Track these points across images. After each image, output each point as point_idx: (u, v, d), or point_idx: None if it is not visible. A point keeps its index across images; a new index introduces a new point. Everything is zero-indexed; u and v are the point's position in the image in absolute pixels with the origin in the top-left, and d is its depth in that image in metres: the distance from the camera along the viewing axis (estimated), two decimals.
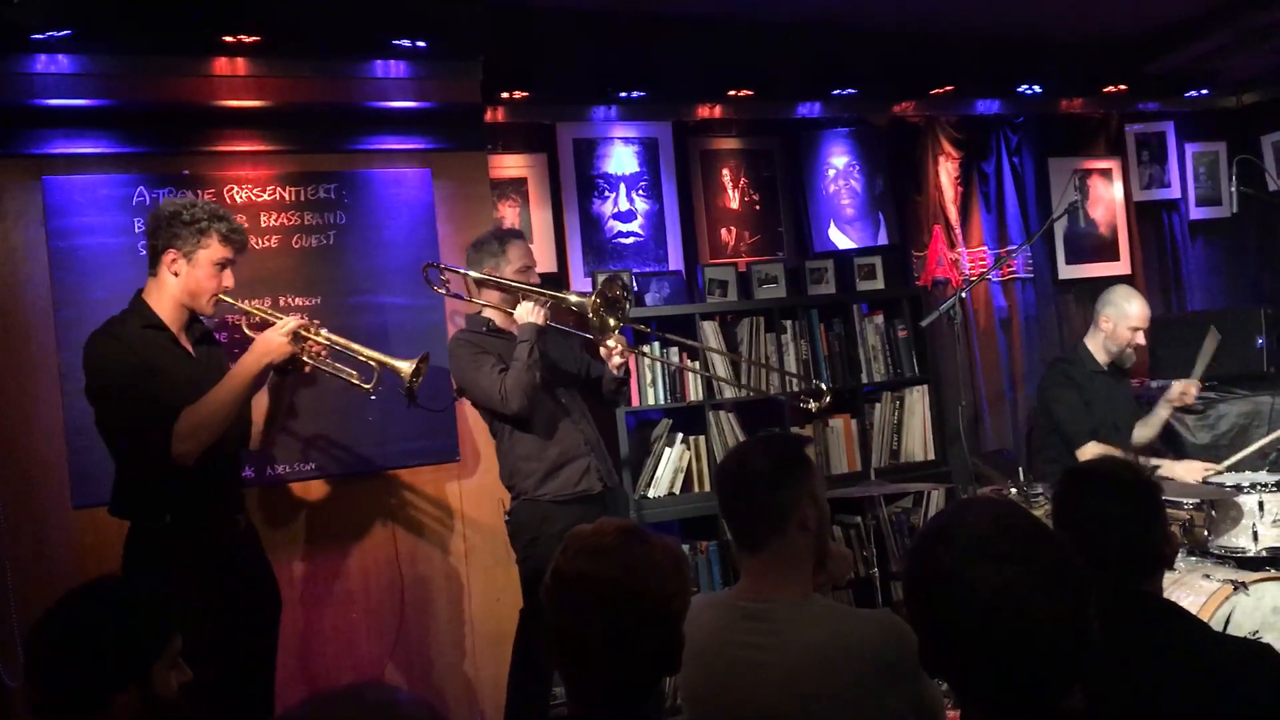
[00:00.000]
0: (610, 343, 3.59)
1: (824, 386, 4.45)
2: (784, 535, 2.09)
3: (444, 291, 3.83)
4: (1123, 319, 4.41)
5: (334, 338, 3.24)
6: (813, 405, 4.10)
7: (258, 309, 3.31)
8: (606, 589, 1.61)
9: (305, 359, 3.14)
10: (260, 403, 3.22)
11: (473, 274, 3.68)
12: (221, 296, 3.08)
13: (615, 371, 3.68)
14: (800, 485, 2.10)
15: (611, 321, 3.54)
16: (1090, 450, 4.29)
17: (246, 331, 3.29)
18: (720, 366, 4.79)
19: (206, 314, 3.13)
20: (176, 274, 3.01)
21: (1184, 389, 4.45)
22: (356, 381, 3.33)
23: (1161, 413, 4.53)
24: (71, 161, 3.77)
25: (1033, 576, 1.35)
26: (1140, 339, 4.43)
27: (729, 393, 4.76)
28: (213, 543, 2.99)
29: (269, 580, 3.25)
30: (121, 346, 2.92)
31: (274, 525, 3.94)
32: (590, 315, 3.50)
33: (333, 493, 4.04)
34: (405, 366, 3.28)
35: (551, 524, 3.48)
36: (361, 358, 3.32)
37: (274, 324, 3.08)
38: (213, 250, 3.02)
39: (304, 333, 3.11)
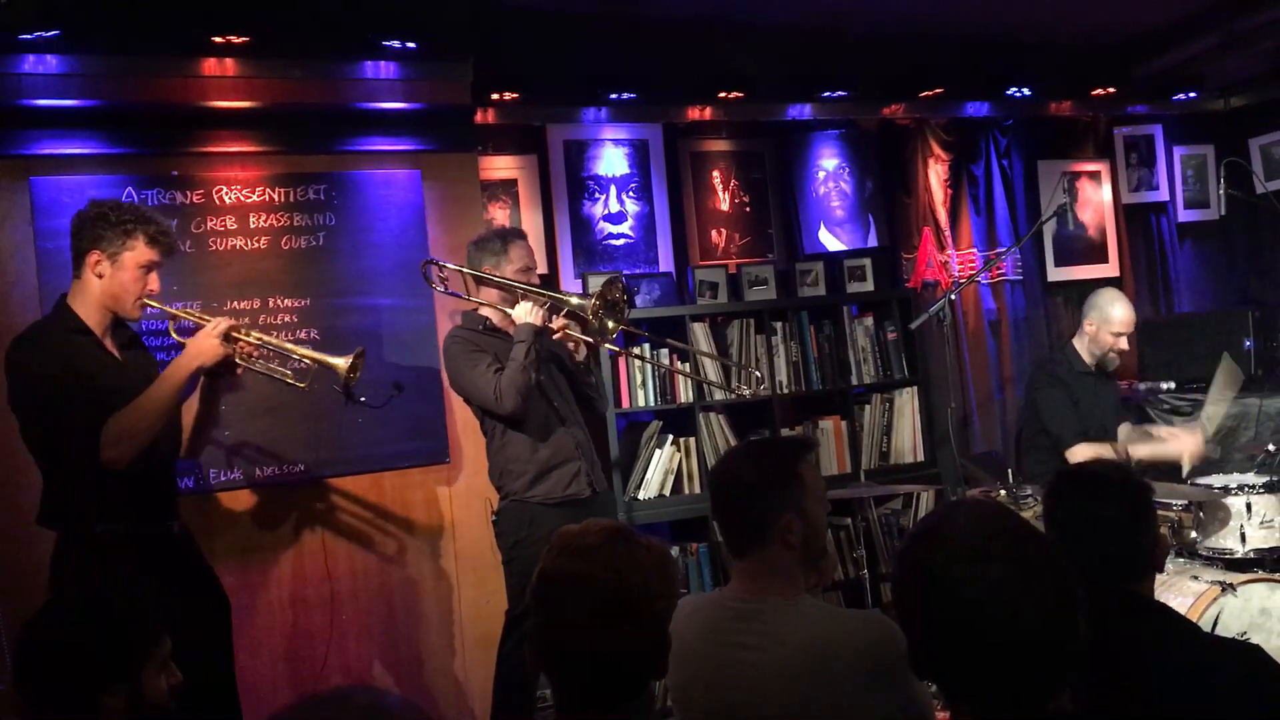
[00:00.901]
0: (555, 325, 3.55)
1: (757, 375, 4.47)
2: (767, 546, 2.09)
3: (442, 289, 3.81)
4: (1105, 324, 4.42)
5: (265, 338, 3.20)
6: (746, 393, 4.08)
7: (186, 313, 3.24)
8: (588, 588, 1.61)
9: (237, 360, 3.07)
10: (190, 408, 3.15)
11: (472, 272, 3.67)
12: (147, 300, 3.00)
13: (578, 358, 3.68)
14: (785, 500, 2.08)
15: (610, 324, 3.53)
16: (1080, 451, 4.29)
17: (174, 336, 3.22)
18: (711, 370, 4.80)
19: (132, 318, 3.04)
20: (100, 276, 2.93)
21: (1197, 449, 4.25)
22: (291, 381, 3.30)
23: (1165, 449, 4.37)
24: (60, 162, 3.76)
25: (1021, 577, 1.35)
26: (1123, 344, 4.44)
27: (717, 395, 4.76)
28: (144, 550, 2.91)
29: (209, 585, 3.18)
30: (44, 353, 2.85)
31: (263, 528, 3.93)
32: (590, 318, 3.48)
33: (322, 495, 4.03)
34: (340, 363, 3.23)
35: (538, 526, 3.47)
36: (295, 356, 3.28)
37: (203, 327, 3.01)
38: (138, 252, 2.95)
39: (235, 334, 3.04)
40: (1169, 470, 4.48)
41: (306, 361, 3.29)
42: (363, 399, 3.46)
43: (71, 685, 1.90)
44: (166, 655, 2.03)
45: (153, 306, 3.05)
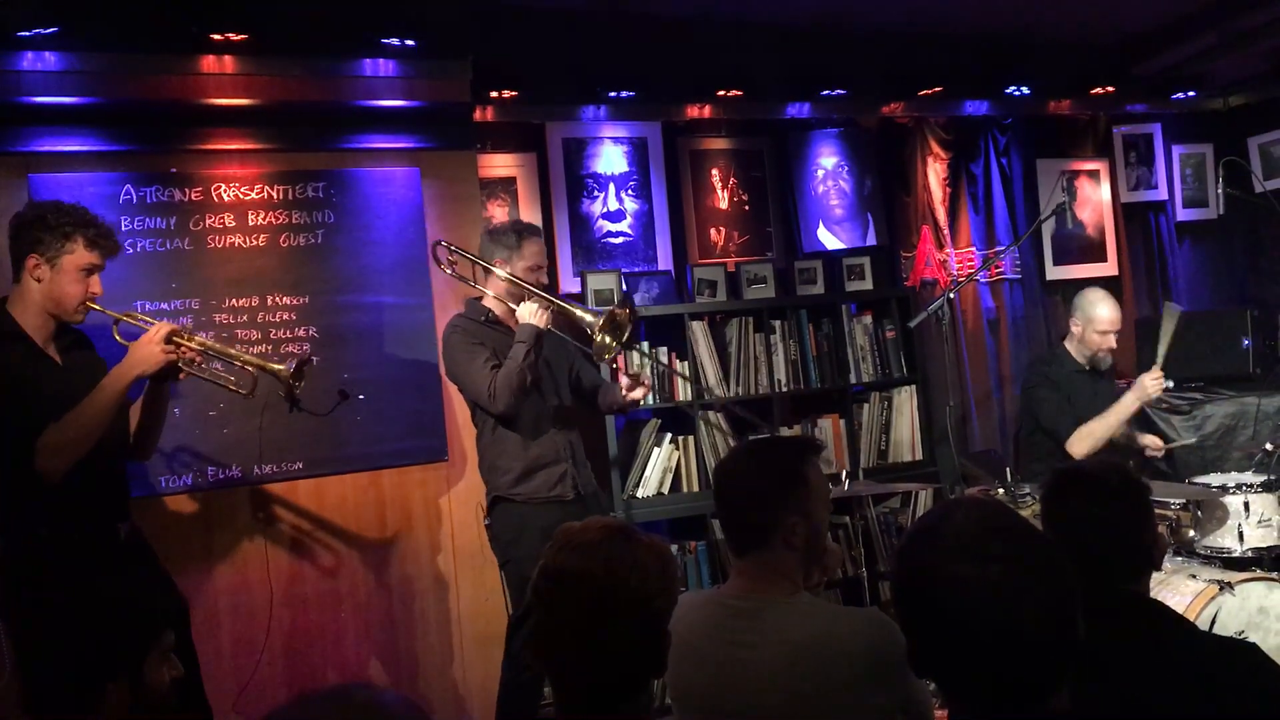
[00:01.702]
0: (629, 374, 3.64)
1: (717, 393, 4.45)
2: (768, 547, 2.10)
3: (450, 271, 3.79)
4: (1089, 323, 4.43)
5: (209, 343, 3.17)
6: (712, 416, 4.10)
7: (129, 315, 3.21)
8: (585, 583, 1.61)
9: (181, 366, 3.03)
10: (134, 413, 3.12)
11: (482, 263, 3.66)
12: (90, 304, 2.96)
13: (626, 399, 3.70)
14: (789, 503, 2.09)
15: (609, 340, 3.53)
16: (1079, 439, 4.31)
17: (118, 339, 3.17)
18: (711, 372, 4.80)
19: (75, 322, 3.00)
20: (39, 280, 2.89)
21: (1154, 378, 4.26)
22: (234, 388, 3.28)
23: (1128, 401, 4.34)
24: (58, 159, 3.76)
25: (1019, 575, 1.36)
26: (1110, 342, 4.44)
27: (717, 392, 4.76)
28: (91, 555, 2.88)
29: (165, 585, 3.14)
30: None
31: (263, 525, 3.93)
32: (595, 335, 3.50)
33: (320, 493, 4.03)
34: (282, 369, 3.22)
35: (530, 526, 3.48)
36: (238, 363, 3.25)
37: (145, 331, 2.97)
38: (78, 255, 2.91)
39: (177, 339, 3.00)
40: (1168, 469, 4.49)
41: (249, 368, 3.25)
42: (307, 409, 3.39)
43: (76, 674, 1.92)
44: (168, 647, 2.04)
45: (96, 310, 3.00)
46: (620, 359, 4.12)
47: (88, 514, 2.93)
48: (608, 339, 3.52)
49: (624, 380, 3.71)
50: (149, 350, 2.94)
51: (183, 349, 3.02)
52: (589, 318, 3.55)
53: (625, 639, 1.61)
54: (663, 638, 1.68)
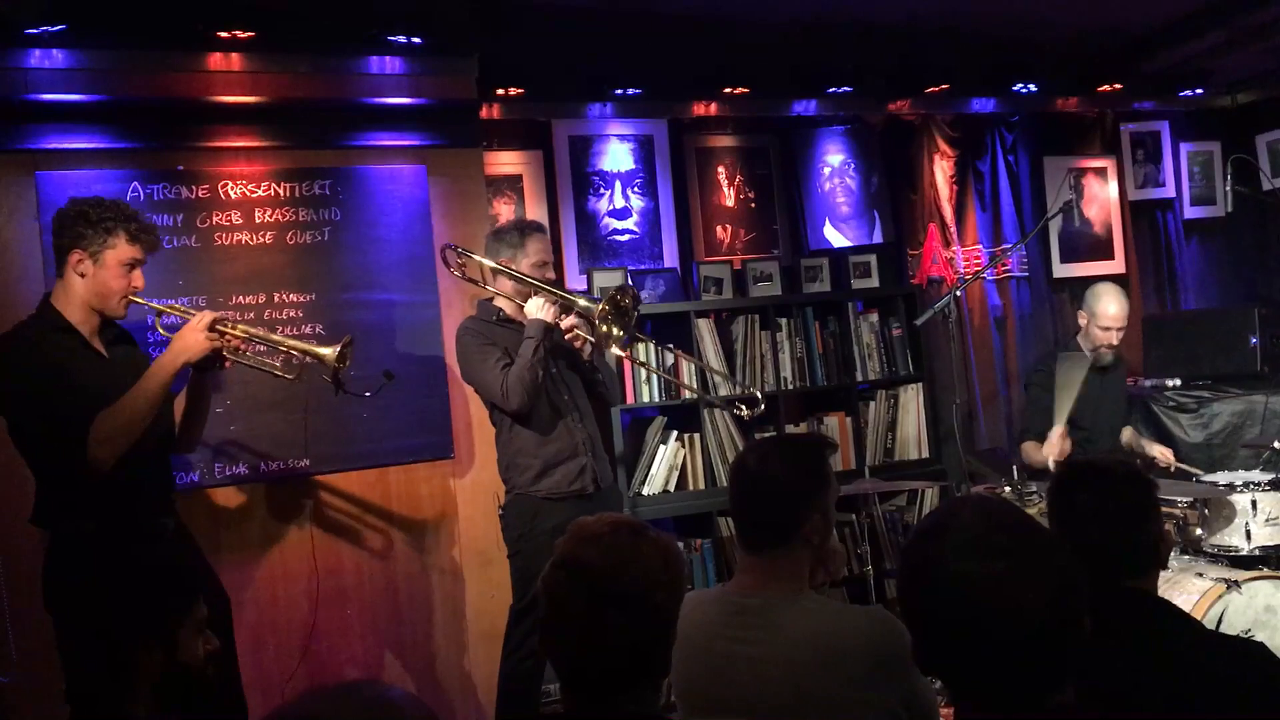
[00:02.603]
0: (564, 324, 3.54)
1: (758, 394, 4.23)
2: (787, 545, 2.10)
3: (459, 274, 3.79)
4: (1094, 318, 4.43)
5: (252, 330, 3.18)
6: (745, 413, 4.05)
7: (172, 308, 3.23)
8: (584, 574, 1.62)
9: (225, 354, 3.05)
10: (179, 405, 3.13)
11: (488, 262, 3.67)
12: (132, 298, 2.99)
13: (584, 357, 3.67)
14: (814, 502, 2.11)
15: (616, 330, 3.51)
16: (1027, 448, 4.37)
17: (161, 332, 3.20)
18: (714, 367, 4.80)
19: (118, 316, 3.02)
20: (83, 275, 2.91)
21: (1059, 436, 4.14)
22: (279, 373, 3.29)
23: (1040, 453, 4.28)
24: (65, 157, 3.76)
25: (1025, 572, 1.36)
26: (1111, 339, 4.43)
27: (722, 391, 4.76)
28: (139, 548, 2.84)
29: (208, 582, 3.15)
30: (25, 352, 2.84)
31: (268, 523, 3.94)
32: (596, 322, 3.48)
33: (328, 489, 4.04)
34: (328, 353, 3.21)
35: (543, 520, 3.48)
36: (283, 349, 3.27)
37: (189, 321, 2.99)
38: (120, 250, 2.92)
39: (220, 327, 3.02)
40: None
41: (294, 353, 3.27)
42: (352, 390, 3.41)
43: (111, 641, 1.93)
44: (203, 620, 2.03)
45: (139, 303, 3.03)
46: (627, 351, 4.07)
47: (135, 508, 2.94)
48: (615, 328, 3.50)
49: (569, 336, 3.60)
50: (194, 338, 2.96)
51: (227, 336, 3.04)
52: (590, 305, 3.52)
53: (624, 632, 1.61)
54: (665, 635, 1.67)
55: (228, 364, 3.11)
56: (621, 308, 3.50)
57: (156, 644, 1.94)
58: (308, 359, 3.27)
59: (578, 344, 3.63)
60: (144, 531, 2.96)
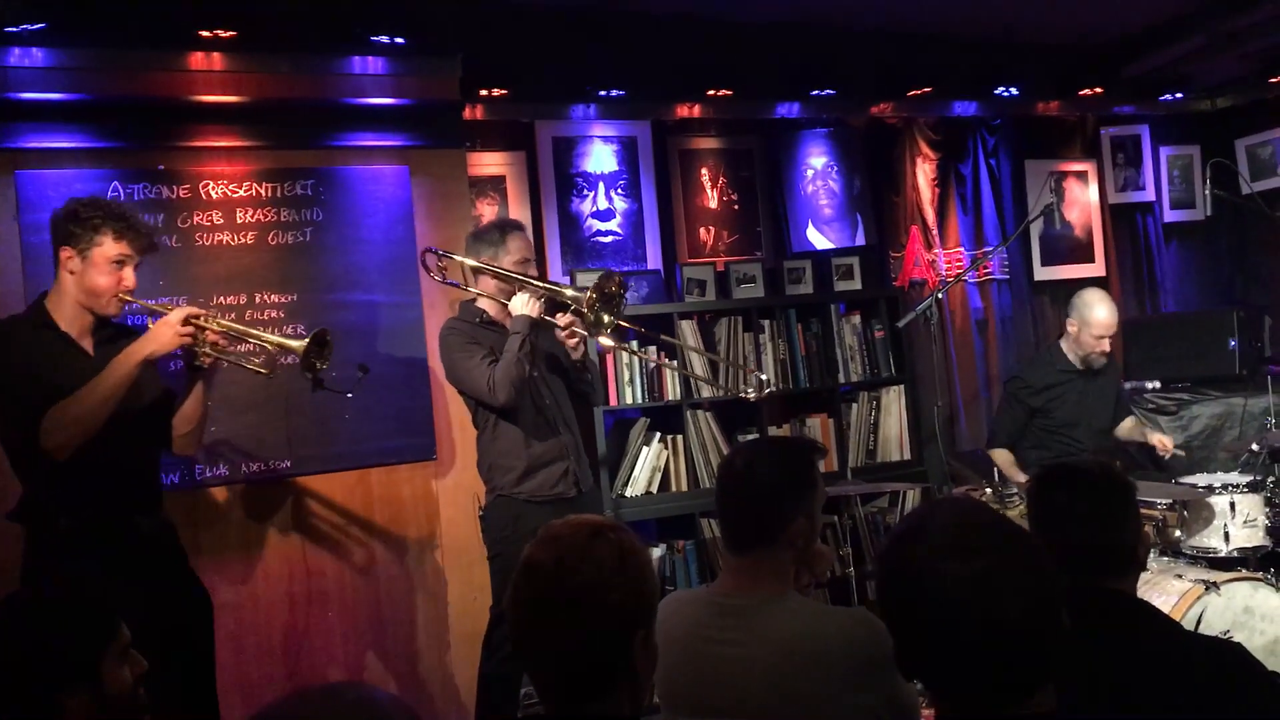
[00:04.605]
0: (561, 322, 3.53)
1: (763, 376, 4.39)
2: (772, 547, 2.10)
3: (440, 278, 3.78)
4: (1085, 326, 4.45)
5: (229, 324, 3.15)
6: (750, 395, 4.11)
7: (165, 307, 3.20)
8: (535, 577, 1.59)
9: (204, 350, 3.03)
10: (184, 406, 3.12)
11: (470, 262, 3.65)
12: (124, 296, 2.97)
13: (575, 356, 3.66)
14: (801, 505, 2.11)
15: (605, 318, 3.49)
16: (997, 455, 4.49)
17: (151, 328, 3.15)
18: (699, 365, 4.80)
19: (110, 314, 3.00)
20: (72, 273, 2.91)
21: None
22: (255, 368, 3.30)
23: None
24: (45, 156, 3.74)
25: (1002, 572, 1.36)
26: (1104, 346, 4.46)
27: (706, 392, 4.77)
28: (113, 547, 2.87)
29: (187, 582, 3.14)
30: (3, 346, 2.84)
31: (249, 524, 3.92)
32: (585, 310, 3.45)
33: (309, 491, 4.02)
34: (297, 345, 3.14)
35: (524, 523, 3.46)
36: (260, 343, 3.26)
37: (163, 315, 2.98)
38: (106, 247, 2.91)
39: (195, 321, 2.99)
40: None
41: (270, 346, 3.25)
42: (330, 386, 3.36)
43: (27, 688, 1.79)
44: (126, 644, 1.93)
45: (130, 302, 3.01)
46: (617, 341, 4.05)
47: (107, 505, 2.92)
48: (604, 316, 3.46)
49: (559, 334, 3.59)
50: (163, 331, 2.94)
51: (205, 333, 3.02)
52: (578, 295, 3.49)
53: (578, 634, 1.56)
54: (626, 637, 1.59)
55: (207, 361, 3.07)
56: (609, 295, 3.48)
57: (80, 686, 1.82)
58: (283, 355, 3.28)
59: (573, 341, 3.61)
60: (114, 531, 2.92)
